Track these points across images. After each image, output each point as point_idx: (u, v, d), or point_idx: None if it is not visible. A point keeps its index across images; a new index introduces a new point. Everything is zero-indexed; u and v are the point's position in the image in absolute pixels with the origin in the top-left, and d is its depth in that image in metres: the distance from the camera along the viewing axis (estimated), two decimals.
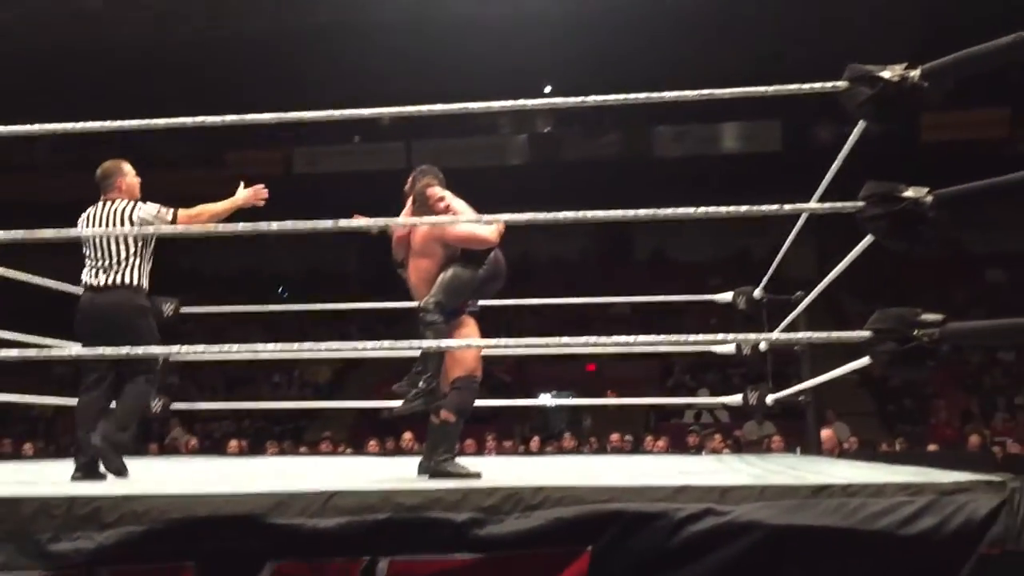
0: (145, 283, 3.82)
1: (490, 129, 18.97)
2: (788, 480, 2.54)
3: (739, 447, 10.10)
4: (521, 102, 3.20)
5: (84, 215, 3.88)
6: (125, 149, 19.56)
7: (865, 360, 2.76)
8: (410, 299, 3.98)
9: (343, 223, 3.25)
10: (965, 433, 11.58)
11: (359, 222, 3.51)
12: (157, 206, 3.83)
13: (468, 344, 3.64)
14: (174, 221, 3.81)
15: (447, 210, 3.82)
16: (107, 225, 3.76)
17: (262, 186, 4.02)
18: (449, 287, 3.70)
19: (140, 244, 3.76)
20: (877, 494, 2.09)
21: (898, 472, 3.07)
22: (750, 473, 3.69)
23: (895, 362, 2.45)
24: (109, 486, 2.64)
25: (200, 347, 3.81)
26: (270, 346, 3.80)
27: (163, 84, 14.84)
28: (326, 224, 3.17)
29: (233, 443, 10.45)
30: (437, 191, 3.85)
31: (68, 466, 4.33)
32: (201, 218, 3.86)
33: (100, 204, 3.87)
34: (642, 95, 3.00)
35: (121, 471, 3.60)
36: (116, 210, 3.80)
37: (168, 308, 6.37)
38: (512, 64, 15.04)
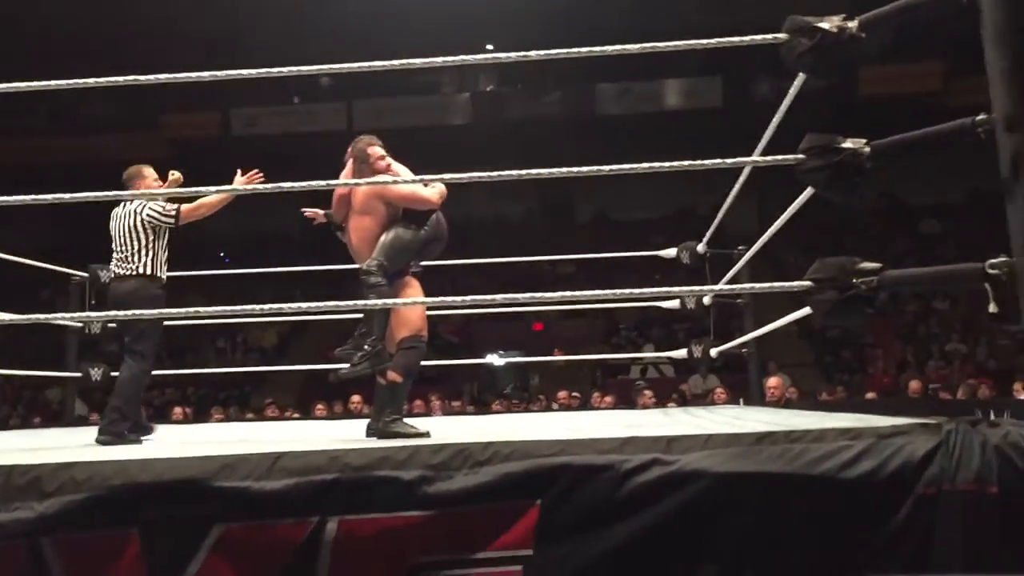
0: (160, 272, 4.25)
1: (432, 88, 18.80)
2: (732, 429, 2.58)
3: (684, 401, 10.26)
4: (463, 58, 3.16)
5: (112, 214, 4.32)
6: (59, 114, 19.03)
7: (806, 310, 2.81)
8: (352, 262, 3.96)
9: (284, 186, 3.19)
10: (902, 381, 11.91)
11: (307, 204, 3.48)
12: (163, 204, 4.23)
13: (413, 303, 3.63)
14: (177, 216, 4.23)
15: (388, 168, 3.83)
16: (124, 223, 4.23)
17: (256, 170, 4.22)
18: (391, 249, 3.69)
19: (151, 238, 4.22)
20: (818, 439, 2.13)
21: (838, 419, 3.15)
22: (695, 424, 3.76)
23: (835, 310, 2.49)
24: (53, 455, 2.59)
25: (140, 312, 3.73)
26: (212, 309, 3.73)
27: (95, 46, 14.39)
28: (266, 187, 3.11)
29: (177, 410, 10.32)
30: (379, 150, 3.85)
31: (6, 436, 4.23)
32: (200, 210, 4.30)
33: (121, 204, 4.30)
34: (584, 50, 2.98)
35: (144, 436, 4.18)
36: (131, 210, 4.24)
37: (105, 275, 6.25)
38: (453, 23, 14.88)
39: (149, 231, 4.21)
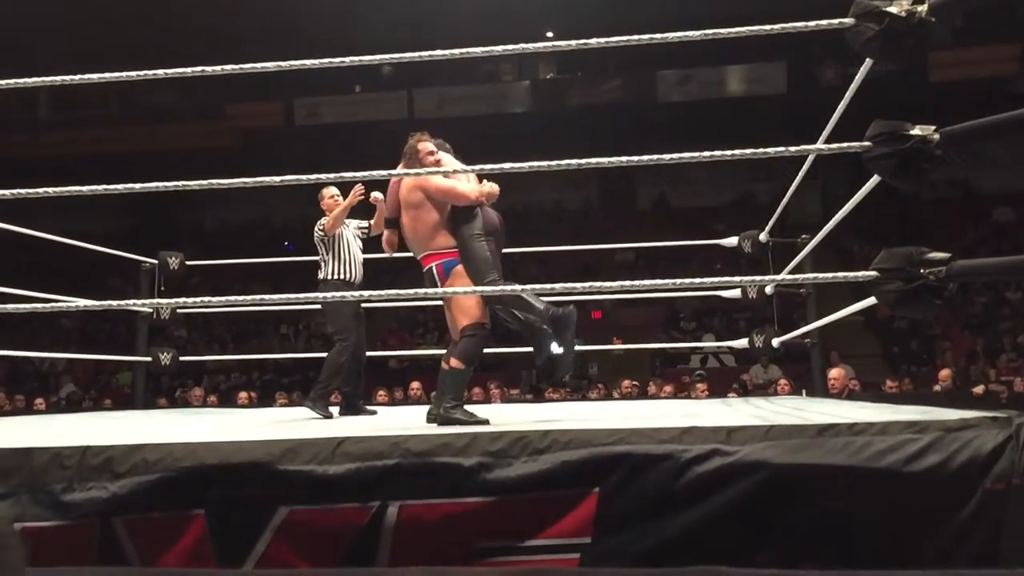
0: (332, 275, 4.94)
1: (492, 77, 18.78)
2: (794, 420, 2.55)
3: (746, 391, 10.15)
4: (523, 46, 3.15)
5: None
6: (128, 105, 19.40)
7: (871, 300, 2.76)
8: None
9: (346, 175, 3.23)
10: (971, 374, 11.61)
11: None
12: (323, 220, 4.98)
13: (475, 292, 3.65)
14: (324, 229, 4.95)
15: (436, 163, 3.90)
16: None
17: (359, 185, 4.74)
18: (475, 261, 3.77)
19: (323, 249, 4.99)
20: (882, 432, 2.09)
21: (903, 411, 3.09)
22: (756, 415, 3.72)
23: (901, 301, 2.44)
24: (126, 435, 2.66)
25: (206, 298, 3.82)
26: (276, 297, 3.80)
27: (163, 37, 14.70)
28: (329, 176, 3.16)
29: (243, 395, 10.53)
30: (428, 146, 3.92)
31: (80, 419, 4.35)
32: (330, 223, 4.93)
33: None
34: (644, 36, 2.96)
35: (326, 416, 4.76)
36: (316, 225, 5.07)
37: (173, 262, 6.40)
38: (513, 10, 14.85)
39: (320, 244, 4.99)
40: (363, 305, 5.24)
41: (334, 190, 5.13)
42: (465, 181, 3.91)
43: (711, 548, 2.04)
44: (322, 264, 4.99)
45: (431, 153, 3.92)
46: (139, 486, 2.16)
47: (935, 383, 11.01)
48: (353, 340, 4.91)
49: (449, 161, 4.02)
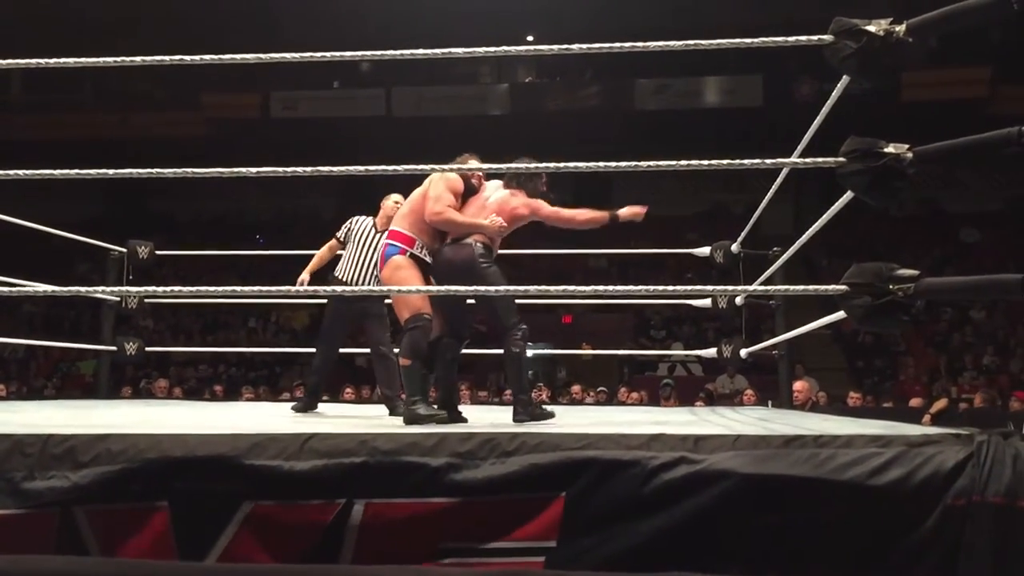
0: (336, 271, 5.09)
1: (472, 78, 18.77)
2: (760, 430, 2.57)
3: (712, 400, 10.21)
4: (504, 49, 3.16)
5: None
6: (102, 90, 19.16)
7: (840, 314, 2.79)
8: None
9: (323, 170, 3.21)
10: (933, 391, 11.75)
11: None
12: (367, 219, 5.14)
13: (412, 290, 3.65)
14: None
15: (475, 177, 3.89)
16: None
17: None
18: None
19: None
20: (847, 445, 2.12)
21: (868, 425, 3.12)
22: (723, 424, 3.74)
23: (869, 316, 2.47)
24: (89, 425, 2.62)
25: (176, 288, 3.78)
26: (246, 289, 3.77)
27: (142, 25, 14.55)
28: (304, 170, 3.14)
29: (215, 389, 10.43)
30: (475, 164, 3.90)
31: (42, 407, 4.28)
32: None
33: None
34: (625, 44, 2.97)
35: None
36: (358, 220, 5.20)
37: (143, 251, 6.33)
38: (494, 12, 14.87)
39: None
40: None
41: (398, 198, 4.87)
42: (479, 216, 3.83)
43: (676, 555, 2.05)
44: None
45: (473, 170, 3.89)
46: (102, 476, 2.13)
47: (895, 398, 11.14)
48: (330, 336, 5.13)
49: (492, 187, 3.97)
